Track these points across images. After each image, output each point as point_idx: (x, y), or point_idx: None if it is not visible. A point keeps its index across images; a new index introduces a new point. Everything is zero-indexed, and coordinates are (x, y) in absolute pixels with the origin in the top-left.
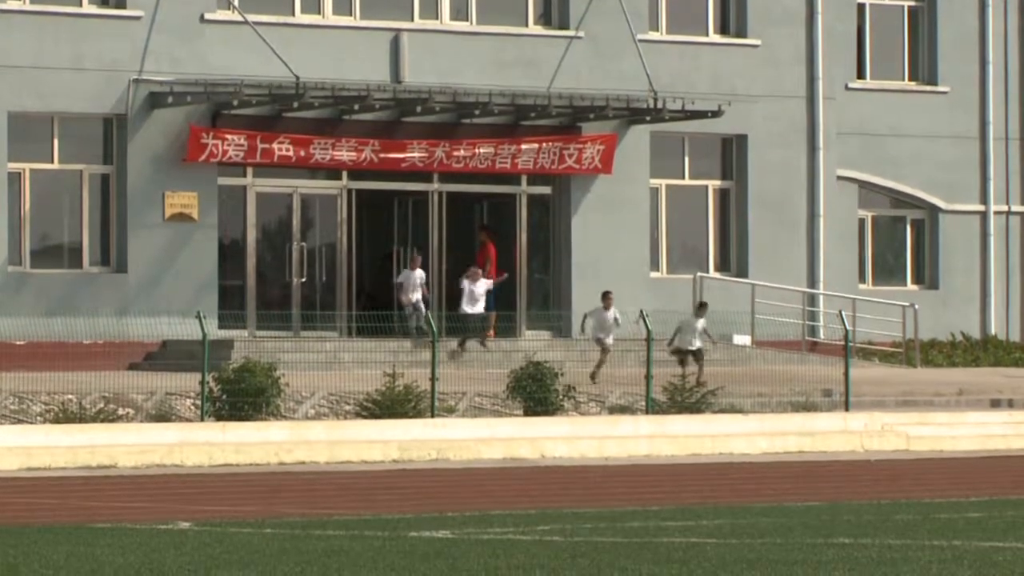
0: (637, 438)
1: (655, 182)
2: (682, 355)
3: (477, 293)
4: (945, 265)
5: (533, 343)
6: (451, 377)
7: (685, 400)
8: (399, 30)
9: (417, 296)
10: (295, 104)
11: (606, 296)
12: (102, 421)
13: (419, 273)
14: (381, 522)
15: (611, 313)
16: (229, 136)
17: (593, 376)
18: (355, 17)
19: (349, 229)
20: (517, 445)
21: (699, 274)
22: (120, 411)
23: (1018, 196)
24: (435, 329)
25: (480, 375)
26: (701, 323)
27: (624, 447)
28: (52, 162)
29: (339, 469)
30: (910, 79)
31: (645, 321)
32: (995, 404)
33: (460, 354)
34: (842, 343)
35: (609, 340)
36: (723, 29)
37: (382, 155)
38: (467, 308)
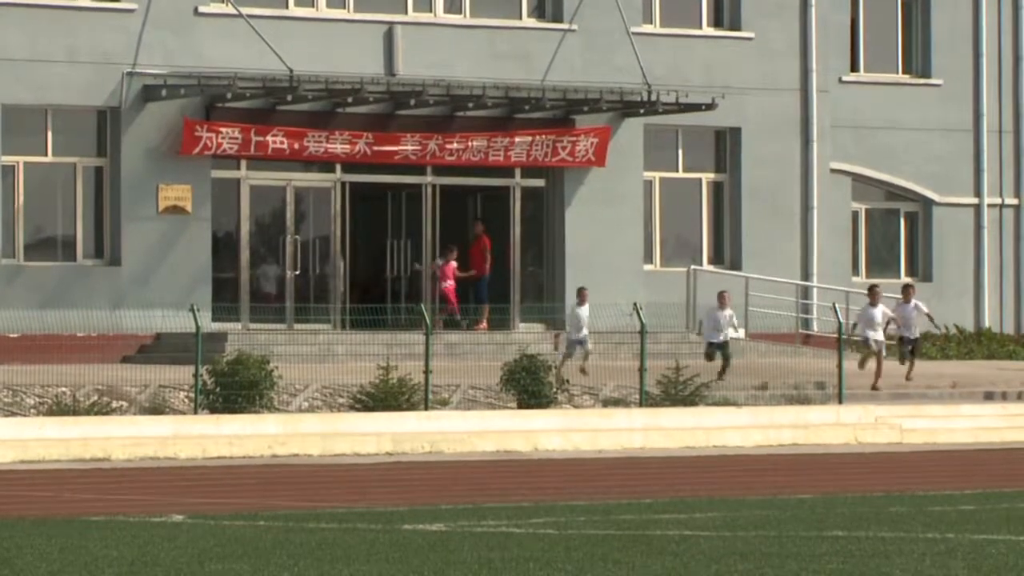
0: (631, 431)
1: (649, 175)
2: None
3: None
4: (938, 258)
5: (526, 336)
6: (445, 370)
7: (679, 393)
8: (393, 23)
9: (584, 333)
10: (289, 97)
11: (872, 290)
12: (96, 414)
13: (587, 309)
14: (375, 515)
15: (879, 310)
16: (223, 129)
17: (877, 384)
18: (349, 10)
19: (343, 222)
20: (511, 438)
21: (693, 267)
22: (114, 404)
23: (1011, 189)
24: (429, 322)
25: (474, 368)
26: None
27: (618, 440)
28: (46, 155)
29: (333, 462)
30: (904, 72)
31: (639, 314)
32: (988, 397)
33: None
34: (835, 336)
35: (878, 337)
36: (717, 22)
37: (375, 148)
38: None
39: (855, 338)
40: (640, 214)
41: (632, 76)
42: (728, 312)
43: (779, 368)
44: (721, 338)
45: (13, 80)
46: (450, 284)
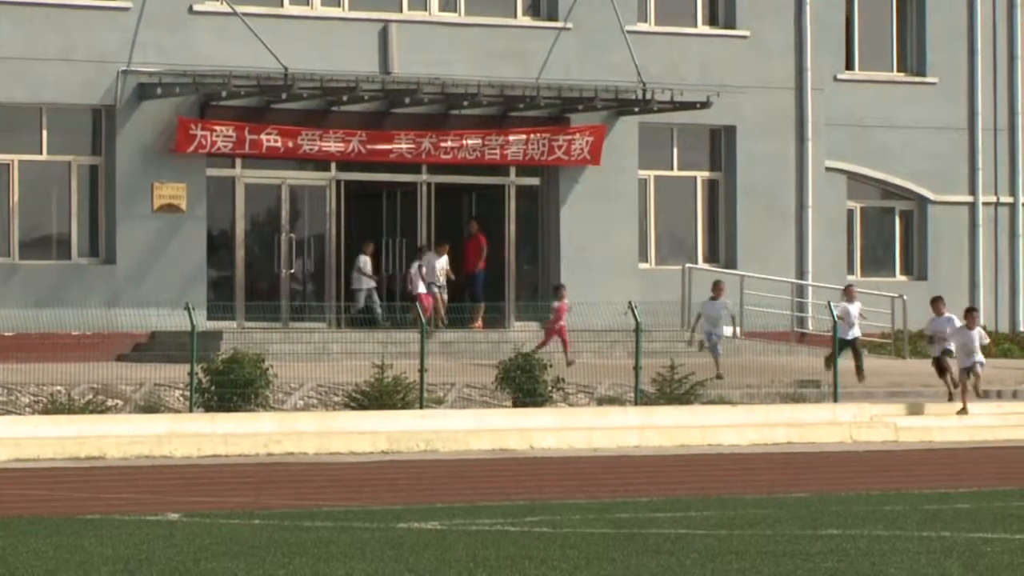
0: (626, 429)
1: (644, 173)
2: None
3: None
4: (934, 256)
5: (522, 334)
6: (440, 368)
7: (674, 391)
8: (388, 21)
9: (722, 330)
10: (283, 95)
11: (971, 313)
12: (91, 412)
13: (724, 302)
14: (370, 513)
15: (976, 332)
16: (218, 127)
17: (961, 407)
18: (344, 8)
19: (338, 220)
20: (506, 436)
21: (688, 265)
22: (109, 402)
23: (1006, 187)
24: (425, 321)
25: (469, 367)
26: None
27: (613, 438)
28: (41, 153)
29: (328, 460)
30: (899, 70)
31: (634, 312)
32: (983, 395)
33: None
34: (830, 334)
35: (980, 358)
36: (712, 20)
37: (369, 146)
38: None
39: (963, 367)
40: (635, 212)
41: (627, 74)
42: (858, 304)
43: (774, 367)
44: (855, 333)
45: (8, 78)
46: (563, 324)
